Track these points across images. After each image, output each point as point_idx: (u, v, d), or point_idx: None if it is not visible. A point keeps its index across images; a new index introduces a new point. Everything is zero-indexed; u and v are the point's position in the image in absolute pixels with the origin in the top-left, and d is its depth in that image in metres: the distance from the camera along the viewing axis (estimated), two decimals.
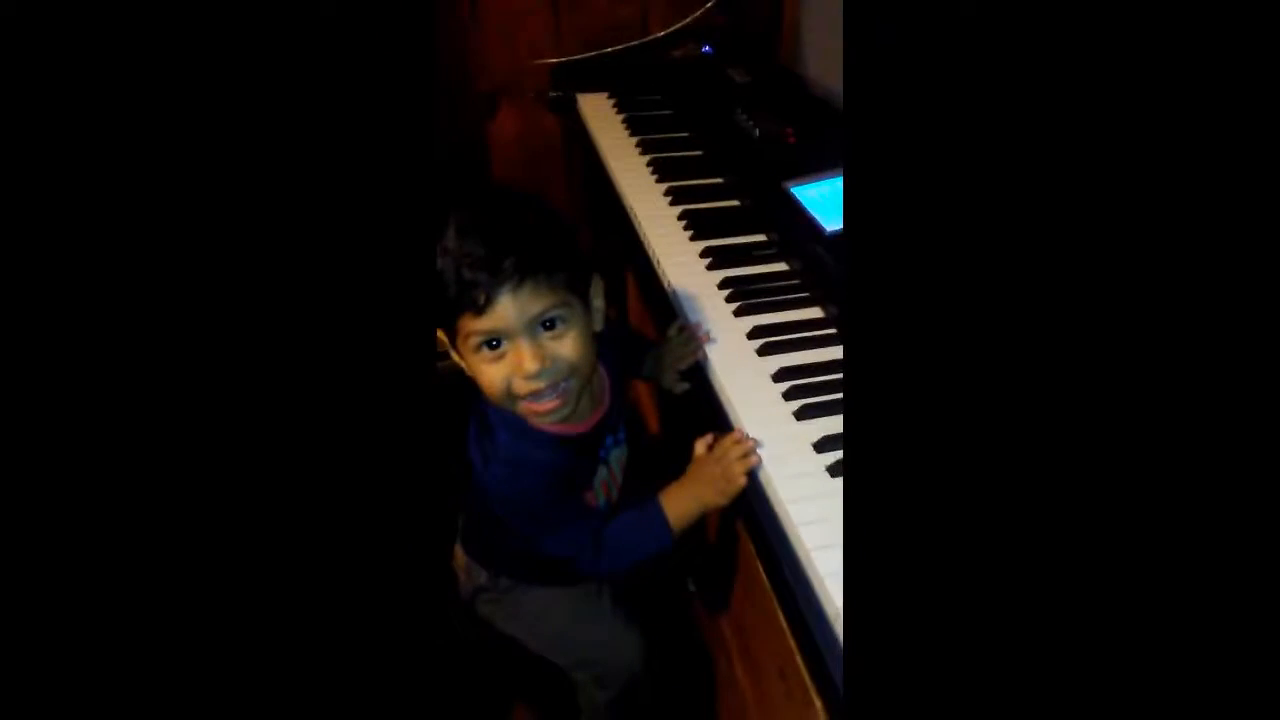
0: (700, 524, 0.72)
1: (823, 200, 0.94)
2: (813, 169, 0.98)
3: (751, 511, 0.67)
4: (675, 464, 0.73)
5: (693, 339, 0.77)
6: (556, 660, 0.83)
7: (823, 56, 1.13)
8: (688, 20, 1.22)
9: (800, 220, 0.91)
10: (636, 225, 0.96)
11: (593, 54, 1.24)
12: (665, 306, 0.86)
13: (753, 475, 0.66)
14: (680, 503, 0.70)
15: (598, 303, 0.69)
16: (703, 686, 0.95)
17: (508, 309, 0.60)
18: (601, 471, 0.77)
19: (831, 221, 0.91)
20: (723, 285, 0.85)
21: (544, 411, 0.66)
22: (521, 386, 0.63)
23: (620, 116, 1.17)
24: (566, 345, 0.64)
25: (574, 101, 1.23)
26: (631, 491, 0.80)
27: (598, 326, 0.69)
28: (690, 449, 0.72)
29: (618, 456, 0.79)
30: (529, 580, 0.80)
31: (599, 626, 0.83)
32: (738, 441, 0.66)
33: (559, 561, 0.73)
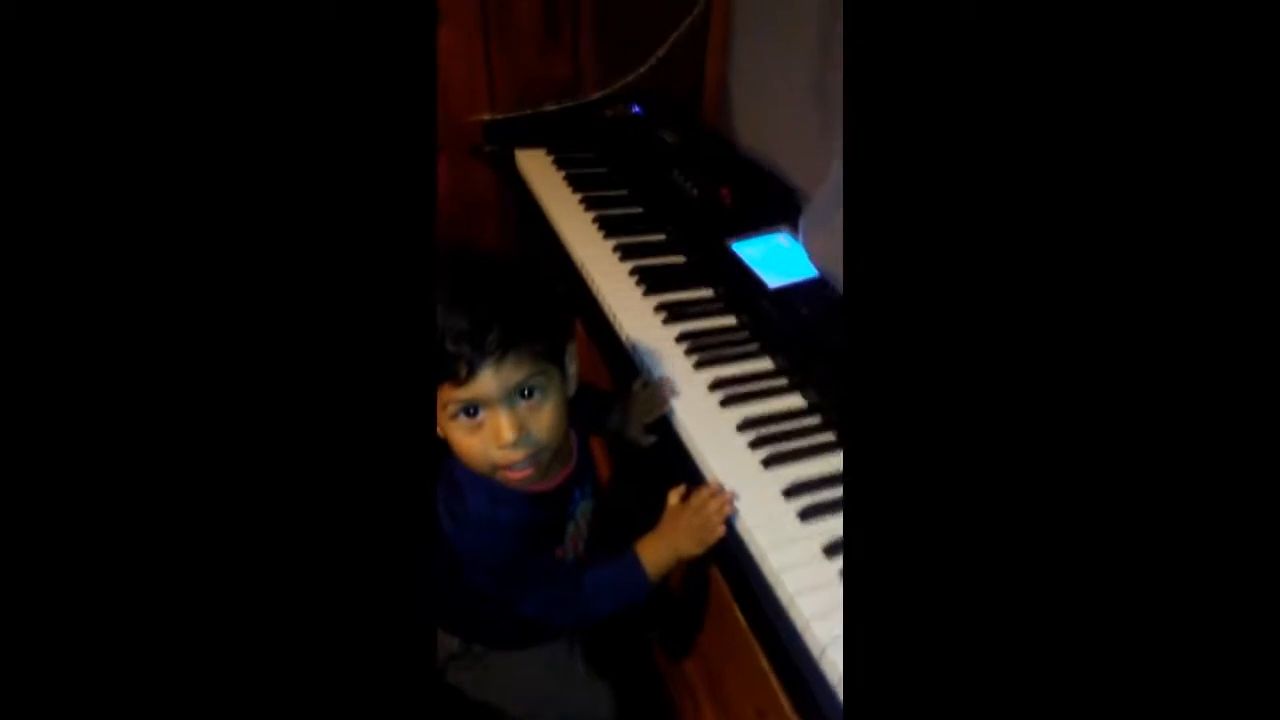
0: (665, 575, 0.74)
1: (763, 257, 1.01)
2: (749, 228, 1.05)
3: (729, 559, 0.70)
4: (638, 515, 0.75)
5: (658, 393, 0.80)
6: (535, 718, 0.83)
7: (749, 121, 1.21)
8: (624, 81, 1.28)
9: (744, 276, 0.97)
10: (590, 281, 0.99)
11: (529, 111, 1.27)
12: (624, 360, 0.89)
13: (730, 524, 0.69)
14: (656, 552, 0.72)
15: (572, 368, 0.71)
16: None
17: (489, 380, 0.61)
18: (570, 527, 0.78)
19: (773, 277, 0.97)
20: (680, 339, 0.89)
21: (518, 479, 0.67)
22: (499, 456, 0.64)
23: (561, 173, 1.20)
24: (543, 415, 0.64)
25: (512, 157, 1.26)
26: (596, 543, 0.82)
27: (571, 391, 0.70)
28: (655, 499, 0.75)
29: (584, 510, 0.80)
30: (502, 645, 0.79)
31: (573, 684, 0.83)
32: (715, 493, 0.70)
33: (535, 619, 0.73)
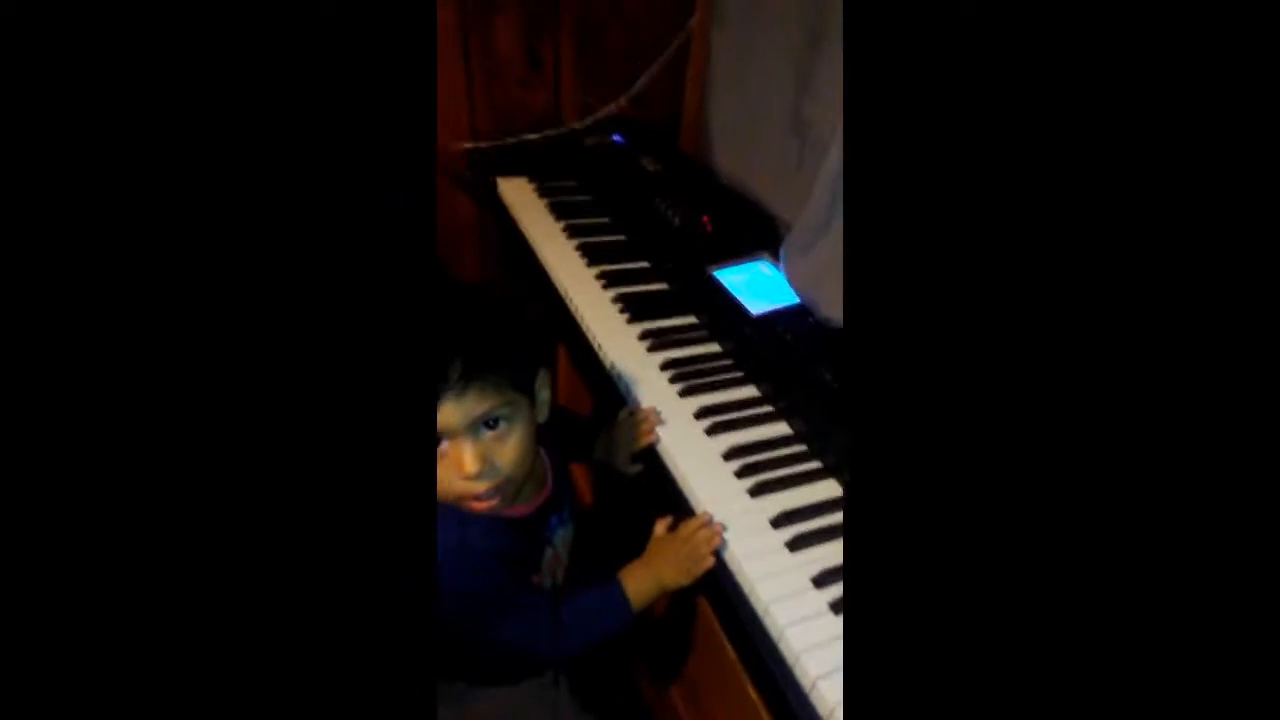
0: (650, 603, 0.73)
1: (745, 285, 1.02)
2: (730, 255, 1.06)
3: (717, 590, 0.70)
4: (623, 544, 0.74)
5: (645, 422, 0.80)
6: None
7: (729, 150, 1.23)
8: (605, 111, 1.30)
9: (727, 303, 0.98)
10: (574, 309, 0.99)
11: (511, 140, 1.28)
12: (609, 388, 0.89)
13: (718, 555, 0.69)
14: (641, 582, 0.71)
15: (544, 395, 0.70)
16: None
17: (451, 412, 0.60)
18: (548, 553, 0.77)
19: (755, 304, 0.98)
20: (665, 367, 0.89)
21: (483, 509, 0.66)
22: (462, 487, 0.63)
23: (543, 201, 1.21)
24: (509, 446, 0.64)
25: (494, 185, 1.26)
26: (577, 571, 0.81)
27: (542, 418, 0.70)
28: (641, 529, 0.74)
29: (563, 537, 0.79)
30: (484, 682, 0.78)
31: (561, 718, 0.81)
32: (704, 524, 0.69)
33: (516, 650, 0.71)
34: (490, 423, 0.62)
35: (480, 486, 0.63)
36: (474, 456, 0.61)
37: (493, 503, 0.65)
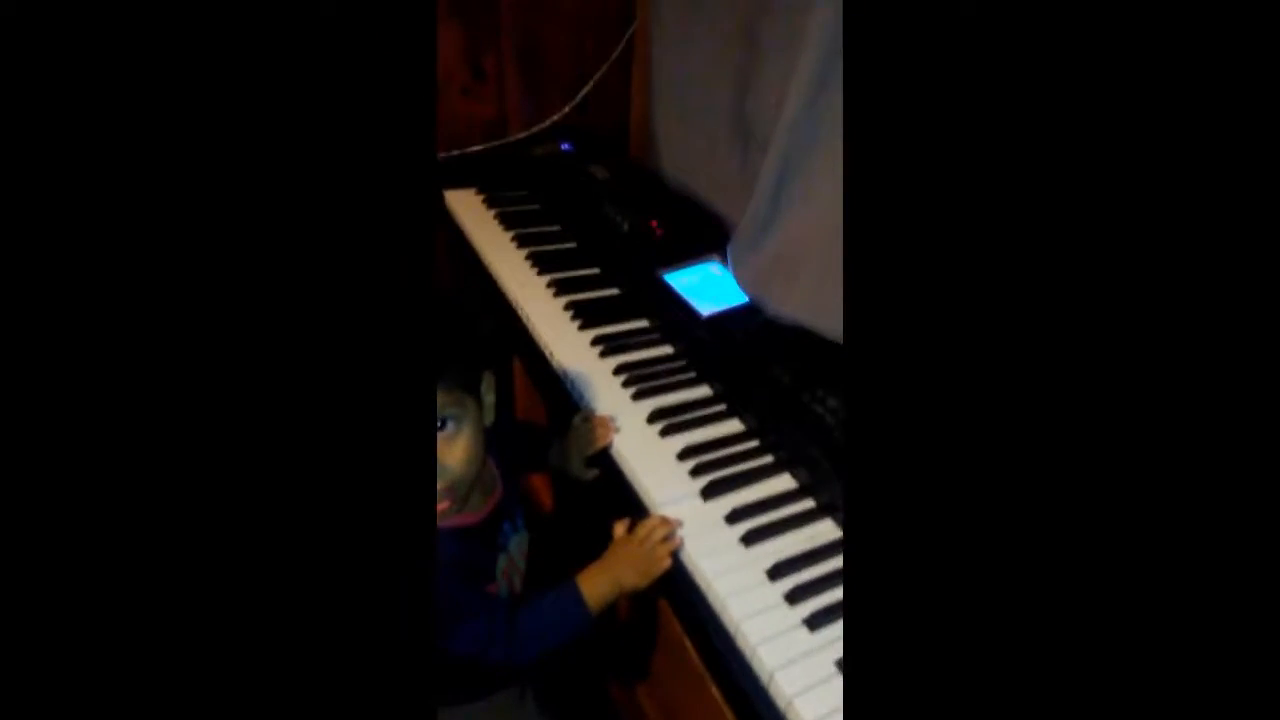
0: (612, 606, 0.73)
1: (694, 287, 1.03)
2: (680, 259, 1.07)
3: (676, 590, 0.70)
4: (581, 550, 0.74)
5: (600, 427, 0.80)
6: None
7: (675, 153, 1.24)
8: (550, 120, 1.30)
9: (677, 306, 0.99)
10: (525, 319, 0.99)
11: (456, 152, 1.28)
12: (562, 395, 0.89)
13: (675, 555, 0.69)
14: (598, 585, 0.71)
15: (489, 398, 0.70)
16: None
17: None
18: (502, 560, 0.77)
19: (705, 305, 0.99)
20: (617, 371, 0.89)
21: (436, 511, 0.65)
22: None
23: (491, 212, 1.20)
24: (458, 448, 0.64)
25: (440, 198, 1.25)
26: (536, 578, 0.80)
27: (488, 421, 0.70)
28: (599, 534, 0.74)
29: (518, 544, 0.79)
30: (448, 700, 0.77)
31: None
32: (660, 525, 0.69)
33: (472, 660, 0.70)
34: (439, 424, 0.62)
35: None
36: None
37: (444, 505, 0.65)
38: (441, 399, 0.62)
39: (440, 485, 0.63)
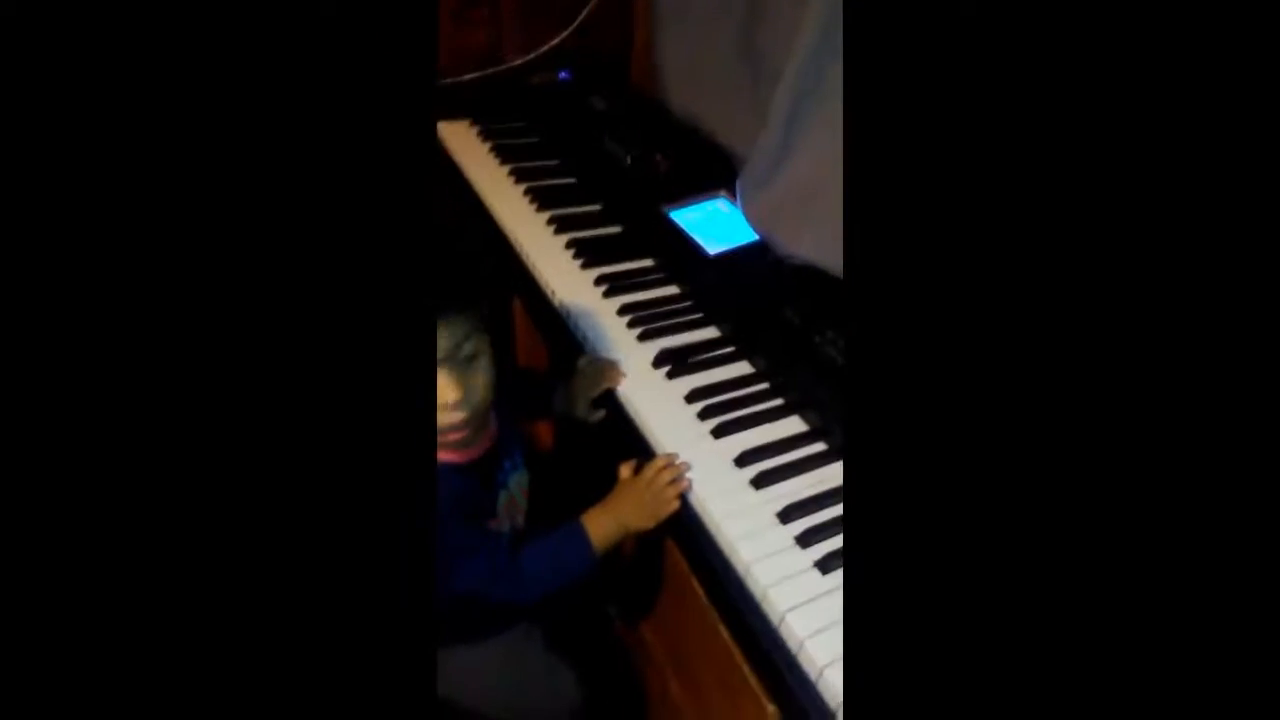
0: (616, 546, 0.73)
1: (701, 224, 0.99)
2: (685, 194, 1.03)
3: (684, 531, 0.69)
4: (587, 493, 0.74)
5: (605, 370, 0.78)
6: (497, 717, 0.81)
7: (680, 83, 1.18)
8: (548, 46, 1.23)
9: (682, 244, 0.96)
10: (525, 257, 0.96)
11: (448, 81, 1.21)
12: (566, 337, 0.87)
13: (683, 496, 0.68)
14: (603, 525, 0.71)
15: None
16: (640, 711, 0.96)
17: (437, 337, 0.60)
18: (503, 496, 0.76)
19: (712, 243, 0.96)
20: (622, 312, 0.87)
21: (454, 440, 0.66)
22: (441, 420, 0.62)
23: (487, 145, 1.15)
24: (479, 376, 0.65)
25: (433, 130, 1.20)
26: (538, 517, 0.80)
27: None
28: (605, 477, 0.73)
29: (518, 480, 0.78)
30: (454, 640, 0.77)
31: (534, 673, 0.81)
32: (668, 467, 0.68)
33: (476, 596, 0.70)
34: (465, 355, 0.63)
35: (459, 416, 0.63)
36: (456, 384, 0.62)
37: (463, 434, 0.65)
38: (462, 329, 0.62)
39: (464, 415, 0.64)
